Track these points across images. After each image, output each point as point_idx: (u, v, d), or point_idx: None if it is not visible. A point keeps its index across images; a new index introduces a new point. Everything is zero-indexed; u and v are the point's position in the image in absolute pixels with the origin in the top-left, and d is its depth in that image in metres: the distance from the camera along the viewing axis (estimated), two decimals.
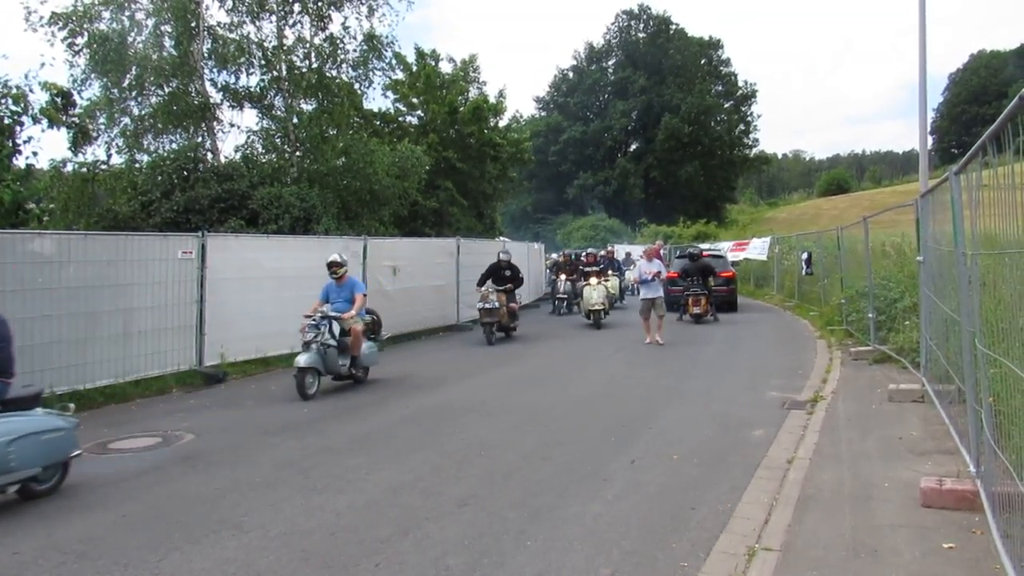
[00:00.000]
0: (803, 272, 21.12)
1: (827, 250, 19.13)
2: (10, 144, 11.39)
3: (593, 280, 17.67)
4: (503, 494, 5.59)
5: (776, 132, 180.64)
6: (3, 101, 11.69)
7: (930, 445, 6.45)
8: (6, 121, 11.41)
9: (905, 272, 12.42)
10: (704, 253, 21.68)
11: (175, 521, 5.13)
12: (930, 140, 26.44)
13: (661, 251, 31.77)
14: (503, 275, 15.74)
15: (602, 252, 27.33)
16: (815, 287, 20.11)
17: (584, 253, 19.64)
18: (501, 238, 29.34)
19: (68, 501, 5.64)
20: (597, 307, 17.23)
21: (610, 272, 21.93)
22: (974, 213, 4.53)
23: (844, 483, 5.59)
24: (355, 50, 19.68)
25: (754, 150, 71.54)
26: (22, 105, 11.88)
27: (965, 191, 4.93)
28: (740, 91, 70.45)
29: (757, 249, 29.46)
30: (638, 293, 28.48)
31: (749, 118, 70.67)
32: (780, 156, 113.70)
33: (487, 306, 14.90)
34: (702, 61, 70.67)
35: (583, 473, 6.11)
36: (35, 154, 12.37)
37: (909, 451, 6.32)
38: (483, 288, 15.16)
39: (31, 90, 12.34)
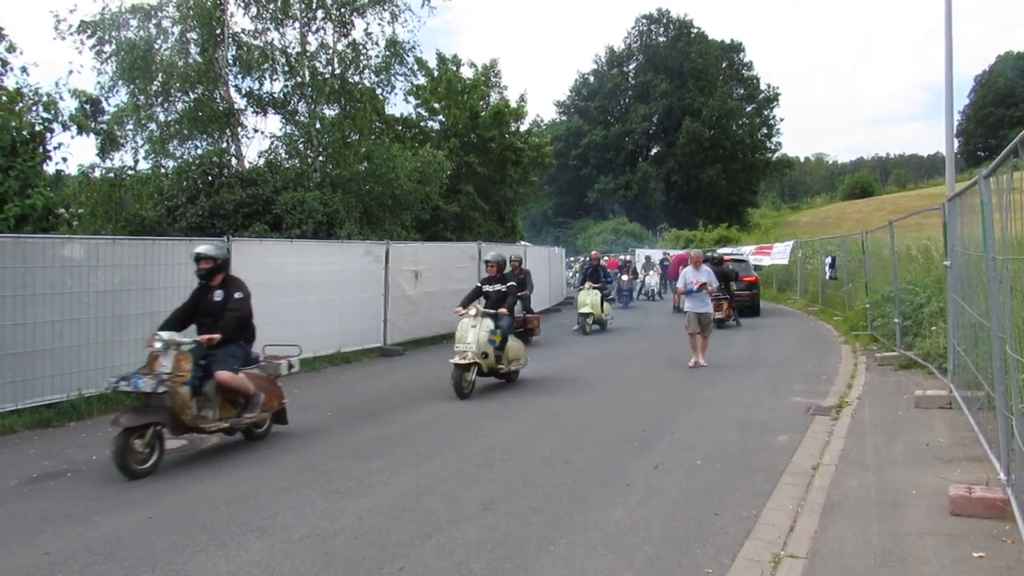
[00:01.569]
0: (826, 276, 20.92)
1: (851, 254, 18.94)
2: (41, 151, 11.58)
3: (472, 310, 10.12)
4: (524, 498, 5.59)
5: (798, 135, 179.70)
6: (34, 108, 11.90)
7: (958, 452, 6.36)
8: (37, 128, 11.60)
9: (932, 276, 12.26)
10: (725, 258, 21.54)
11: (201, 523, 5.18)
12: (956, 143, 26.06)
13: (660, 258, 31.95)
14: (211, 306, 7.34)
15: (583, 257, 27.63)
16: (839, 292, 19.91)
17: (488, 257, 11.20)
18: (522, 242, 29.41)
19: (96, 502, 5.71)
20: (459, 359, 9.73)
21: (587, 285, 17.69)
22: (1005, 217, 4.47)
23: (871, 490, 5.52)
24: (377, 56, 19.89)
25: (776, 153, 71.02)
26: (52, 112, 12.08)
27: (995, 194, 4.87)
28: (762, 94, 70.03)
29: (779, 254, 29.26)
30: (652, 297, 29.02)
31: (771, 121, 70.23)
32: (802, 159, 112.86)
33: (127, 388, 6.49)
34: (723, 64, 70.40)
35: (604, 478, 6.09)
36: (64, 160, 12.60)
37: (937, 458, 6.23)
38: (155, 343, 6.63)
39: (61, 97, 12.55)
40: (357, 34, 19.75)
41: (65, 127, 12.42)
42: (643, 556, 4.47)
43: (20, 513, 5.51)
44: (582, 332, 17.21)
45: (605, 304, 17.88)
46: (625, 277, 26.12)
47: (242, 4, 18.29)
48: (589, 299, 17.40)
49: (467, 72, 30.79)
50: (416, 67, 25.22)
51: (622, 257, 32.27)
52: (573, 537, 4.78)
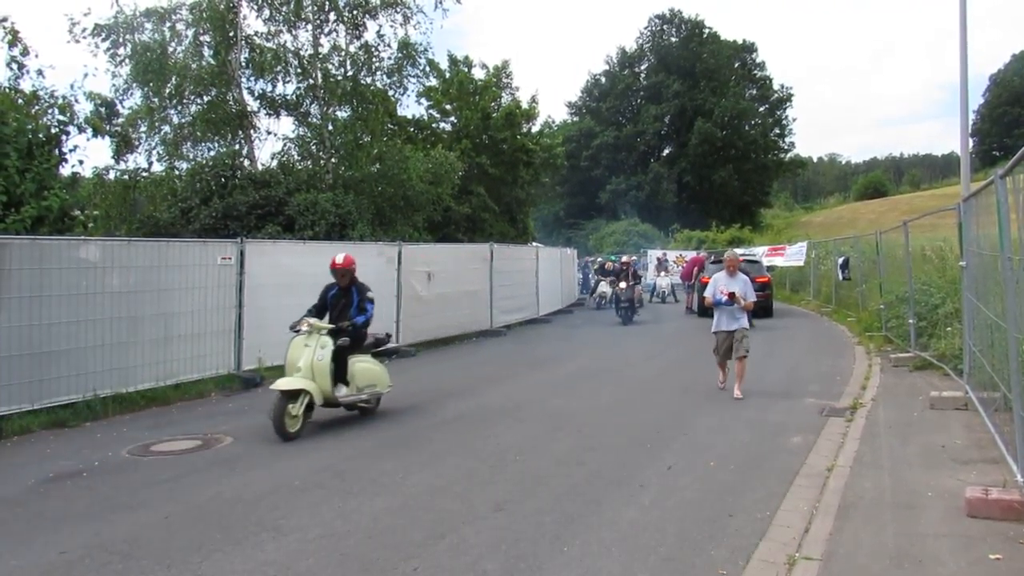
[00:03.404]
0: (840, 277, 20.80)
1: (865, 255, 18.83)
2: (57, 153, 11.67)
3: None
4: (538, 499, 5.59)
5: (811, 135, 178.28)
6: (50, 111, 11.99)
7: (974, 454, 6.31)
8: (53, 130, 11.68)
9: (946, 277, 12.20)
10: (740, 258, 21.39)
11: (216, 523, 5.21)
12: (971, 142, 25.79)
13: (658, 258, 31.10)
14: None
15: (598, 257, 26.33)
16: (852, 292, 19.79)
17: None
18: (534, 243, 29.43)
19: (113, 501, 5.76)
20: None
21: (308, 323, 8.43)
22: (1021, 217, 4.44)
23: (886, 491, 5.49)
24: (390, 58, 19.92)
25: (789, 154, 70.56)
26: (68, 115, 12.16)
27: (1011, 194, 4.84)
28: (775, 94, 69.56)
29: (794, 255, 29.03)
30: (664, 299, 28.62)
31: (784, 121, 69.76)
32: (815, 159, 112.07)
33: None
34: (736, 64, 69.98)
35: (617, 478, 6.09)
36: (80, 162, 12.64)
37: (952, 459, 6.19)
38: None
39: (76, 100, 12.63)
40: (369, 36, 19.82)
41: (80, 129, 12.49)
42: (657, 557, 4.46)
43: (37, 512, 5.56)
44: (280, 436, 7.60)
45: (361, 365, 8.72)
46: (623, 285, 20.15)
47: (255, 7, 18.41)
48: (304, 359, 8.05)
49: (479, 73, 30.85)
50: (428, 69, 25.24)
51: (623, 259, 23.26)
52: (586, 537, 4.78)
